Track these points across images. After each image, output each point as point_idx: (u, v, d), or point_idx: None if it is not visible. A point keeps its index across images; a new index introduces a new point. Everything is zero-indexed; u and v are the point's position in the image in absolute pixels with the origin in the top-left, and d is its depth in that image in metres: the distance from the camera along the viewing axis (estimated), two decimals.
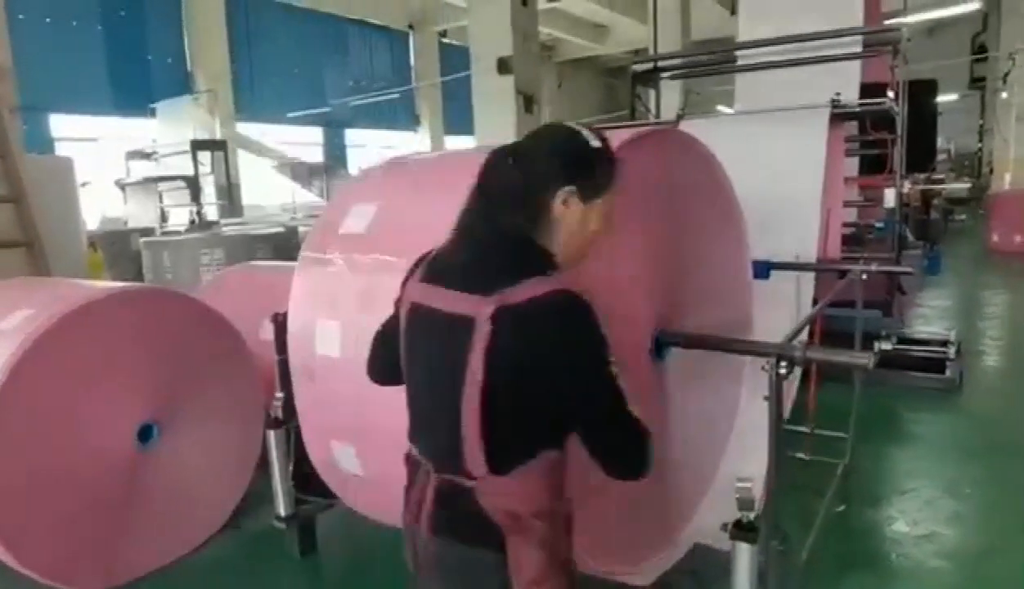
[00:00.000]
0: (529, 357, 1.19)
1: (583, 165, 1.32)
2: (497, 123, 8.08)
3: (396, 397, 1.40)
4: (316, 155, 16.59)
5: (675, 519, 2.32)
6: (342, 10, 16.44)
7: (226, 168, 12.40)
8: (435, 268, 1.36)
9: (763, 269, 3.03)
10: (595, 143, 1.33)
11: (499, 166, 1.32)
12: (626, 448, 1.27)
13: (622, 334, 1.91)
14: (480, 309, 1.20)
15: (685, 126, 4.30)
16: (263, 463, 3.02)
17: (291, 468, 2.80)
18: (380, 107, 17.22)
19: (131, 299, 2.97)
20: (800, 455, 3.34)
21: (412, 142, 18.73)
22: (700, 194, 2.23)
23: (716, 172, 2.30)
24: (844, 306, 3.42)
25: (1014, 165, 13.84)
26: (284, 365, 2.72)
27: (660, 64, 5.72)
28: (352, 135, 17.74)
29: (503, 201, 1.29)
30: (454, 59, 17.65)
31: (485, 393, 1.20)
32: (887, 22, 7.64)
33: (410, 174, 2.27)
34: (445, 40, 18.63)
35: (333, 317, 2.04)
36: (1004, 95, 15.46)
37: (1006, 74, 14.89)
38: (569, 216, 1.30)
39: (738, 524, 1.73)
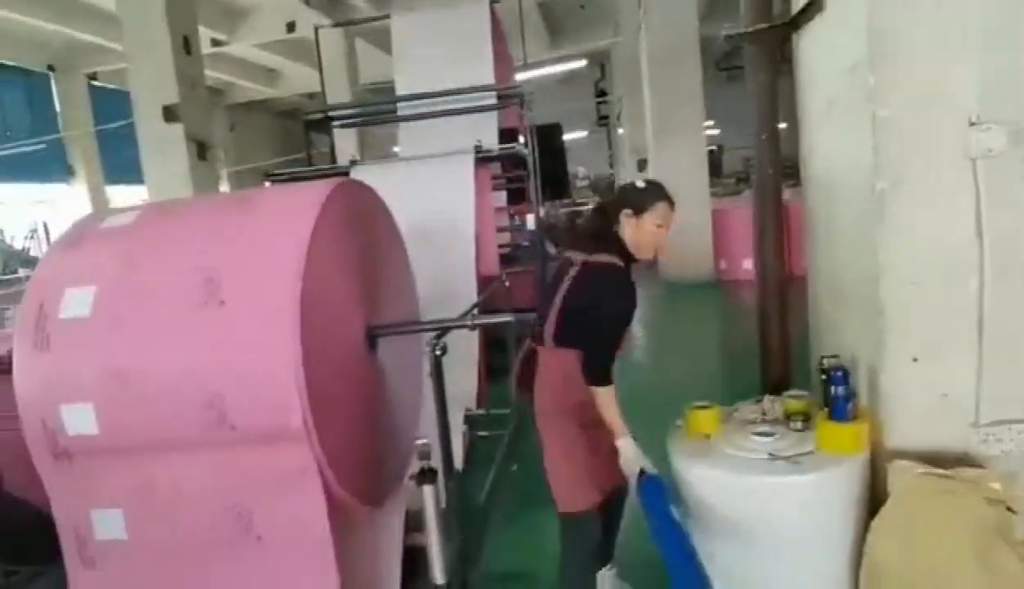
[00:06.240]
0: (585, 295, 2.38)
1: (632, 196, 2.48)
2: (169, 171, 7.72)
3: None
4: None
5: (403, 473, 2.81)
6: None
7: None
8: (571, 239, 2.73)
9: None
10: (640, 184, 2.52)
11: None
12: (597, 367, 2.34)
13: (346, 333, 2.45)
14: (580, 260, 2.44)
15: (358, 171, 4.90)
16: None
17: None
18: (21, 158, 15.16)
19: None
20: (481, 433, 4.09)
21: (67, 194, 16.78)
22: (378, 225, 2.85)
23: (384, 209, 2.93)
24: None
25: None
26: None
27: (331, 113, 6.21)
28: None
29: (606, 212, 2.50)
30: (111, 103, 16.27)
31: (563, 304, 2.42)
32: (519, 76, 9.12)
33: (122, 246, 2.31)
34: (97, 83, 17.03)
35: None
36: (620, 131, 18.92)
37: (619, 113, 18.25)
38: (627, 224, 2.43)
39: (421, 472, 2.28)
